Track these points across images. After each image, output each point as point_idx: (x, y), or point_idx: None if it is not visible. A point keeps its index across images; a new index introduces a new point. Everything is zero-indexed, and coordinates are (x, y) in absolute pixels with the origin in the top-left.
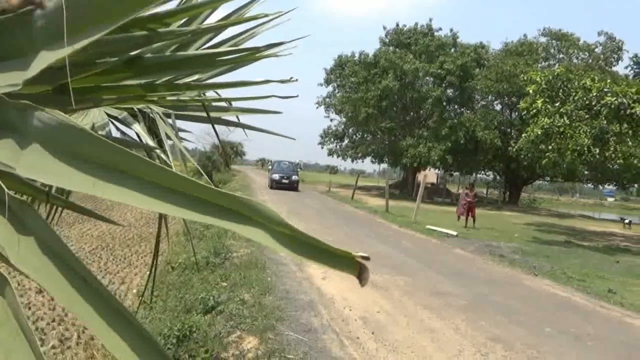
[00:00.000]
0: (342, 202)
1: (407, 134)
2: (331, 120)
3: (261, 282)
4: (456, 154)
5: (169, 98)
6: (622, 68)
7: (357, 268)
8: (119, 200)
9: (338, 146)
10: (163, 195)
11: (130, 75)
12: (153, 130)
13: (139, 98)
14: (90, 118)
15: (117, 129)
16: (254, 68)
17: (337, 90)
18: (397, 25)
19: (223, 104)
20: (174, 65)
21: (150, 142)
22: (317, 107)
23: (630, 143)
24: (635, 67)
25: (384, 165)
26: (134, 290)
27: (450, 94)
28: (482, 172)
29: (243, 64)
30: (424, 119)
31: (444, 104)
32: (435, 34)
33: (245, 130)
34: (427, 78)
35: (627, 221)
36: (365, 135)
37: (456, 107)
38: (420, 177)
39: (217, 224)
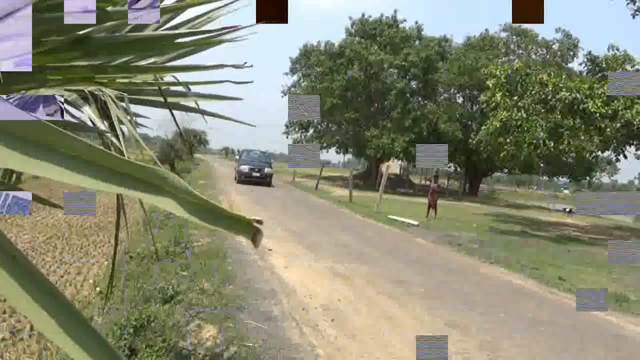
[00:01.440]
0: (306, 193)
1: (371, 125)
2: None
3: (222, 271)
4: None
5: (120, 80)
6: (577, 65)
7: (252, 231)
8: (35, 174)
9: (303, 136)
10: (77, 167)
11: (78, 55)
12: (107, 114)
13: (88, 80)
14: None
15: (67, 111)
16: (216, 58)
17: (302, 80)
18: (363, 15)
19: (181, 88)
20: (125, 46)
21: (102, 126)
22: (282, 97)
23: (582, 137)
24: (588, 64)
25: (349, 156)
26: (91, 281)
27: (414, 86)
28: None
29: (201, 48)
30: (388, 110)
31: (408, 95)
32: (400, 25)
33: (207, 118)
34: (392, 70)
35: (567, 210)
36: (330, 126)
37: (419, 99)
38: (383, 168)
39: (131, 194)
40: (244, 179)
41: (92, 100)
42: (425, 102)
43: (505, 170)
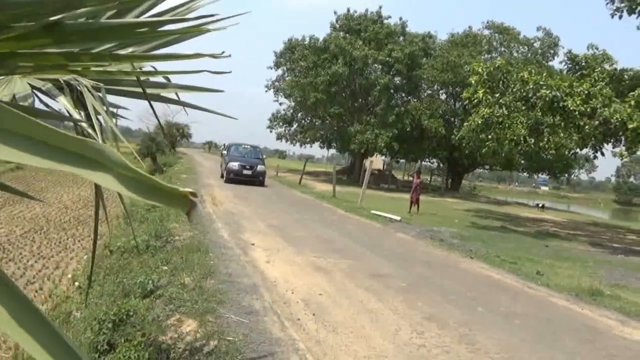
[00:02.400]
0: (289, 187)
1: (355, 120)
2: (280, 104)
3: (203, 265)
4: (402, 141)
5: (94, 69)
6: (557, 63)
7: (187, 205)
8: None
9: (287, 130)
10: (16, 143)
11: (50, 42)
12: (84, 105)
13: (61, 67)
14: (10, 88)
15: (41, 101)
16: (196, 50)
17: (286, 74)
18: (348, 10)
19: (160, 79)
20: (101, 34)
21: (77, 116)
22: (266, 91)
23: (562, 134)
24: (569, 62)
25: (332, 151)
26: (69, 275)
27: (398, 82)
28: (427, 159)
29: (183, 37)
30: (371, 105)
31: (392, 91)
32: (385, 21)
33: (190, 111)
34: (376, 65)
35: (540, 205)
36: (314, 120)
37: (403, 95)
38: (366, 163)
39: (66, 169)
40: (233, 177)
41: (68, 90)
42: (409, 98)
43: (487, 167)
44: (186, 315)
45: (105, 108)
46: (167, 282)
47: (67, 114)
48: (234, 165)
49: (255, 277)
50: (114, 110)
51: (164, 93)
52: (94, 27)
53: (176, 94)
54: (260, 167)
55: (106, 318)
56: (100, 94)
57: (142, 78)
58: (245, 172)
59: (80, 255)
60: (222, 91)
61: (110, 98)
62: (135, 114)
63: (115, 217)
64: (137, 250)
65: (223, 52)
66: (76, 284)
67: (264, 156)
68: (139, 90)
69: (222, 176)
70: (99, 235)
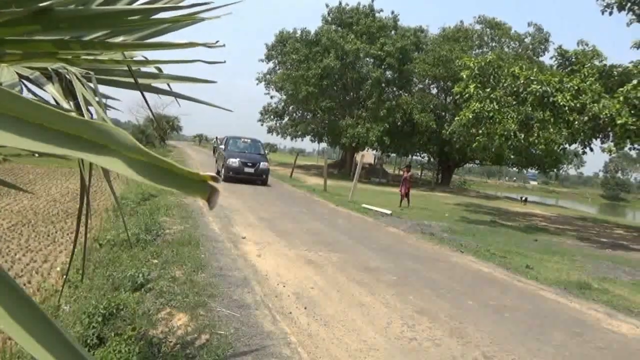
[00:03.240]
0: (280, 181)
1: (346, 114)
2: (271, 97)
3: (194, 259)
4: (393, 135)
5: (85, 57)
6: (547, 58)
7: (207, 191)
8: None
9: (278, 124)
10: (12, 127)
11: (39, 29)
12: (73, 94)
13: (50, 56)
14: None
15: (29, 90)
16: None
17: (277, 67)
18: (340, 3)
19: (152, 69)
20: (92, 21)
21: (66, 106)
22: (257, 84)
23: (551, 129)
24: (559, 58)
25: (323, 145)
26: (58, 269)
27: (389, 76)
28: (418, 154)
29: (177, 26)
30: (363, 99)
31: (383, 85)
32: (377, 15)
33: (180, 102)
34: (368, 59)
35: (523, 198)
36: (305, 114)
37: (394, 89)
38: (358, 157)
39: (73, 154)
40: (233, 176)
41: (56, 79)
42: (400, 92)
43: (477, 161)
44: (177, 309)
45: (96, 98)
46: (158, 275)
47: (56, 104)
48: (234, 161)
49: (247, 271)
50: (104, 100)
51: (156, 83)
52: (84, 14)
53: (168, 84)
54: (263, 165)
55: (96, 312)
56: (92, 84)
57: (133, 68)
58: (246, 169)
59: (69, 248)
60: (214, 82)
61: (101, 88)
62: (125, 105)
63: (104, 210)
64: (129, 243)
65: (217, 42)
66: (65, 277)
67: (267, 151)
68: (130, 80)
69: (217, 173)
70: (88, 228)
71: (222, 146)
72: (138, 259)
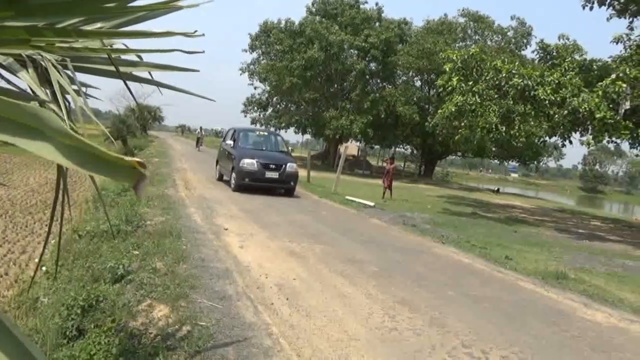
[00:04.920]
0: None
1: (330, 106)
2: (255, 88)
3: (175, 250)
4: (377, 127)
5: (59, 45)
6: (529, 52)
7: (135, 178)
8: None
9: (261, 115)
10: None
11: (11, 14)
12: (49, 82)
13: (23, 42)
14: None
15: (2, 77)
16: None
17: (261, 58)
18: None
19: (134, 57)
20: (67, 7)
21: (42, 94)
22: (240, 74)
23: (532, 122)
24: (540, 52)
25: (307, 136)
26: (36, 260)
27: (373, 68)
28: (401, 146)
29: (155, 14)
30: (347, 91)
31: (367, 77)
32: (361, 6)
33: (163, 91)
34: (352, 51)
35: (496, 189)
36: (289, 105)
37: (378, 81)
38: (341, 148)
39: (1, 139)
40: (250, 183)
41: (31, 65)
42: (384, 84)
43: (459, 154)
44: (158, 300)
45: (74, 86)
46: (138, 267)
47: (31, 92)
48: (251, 164)
49: (229, 262)
50: (83, 89)
51: (137, 72)
52: (57, 0)
53: (149, 73)
54: (290, 167)
55: (75, 303)
56: (69, 71)
57: (112, 56)
58: (268, 174)
59: (48, 239)
60: (197, 70)
61: (80, 76)
62: (106, 94)
63: (84, 201)
64: (112, 234)
65: (196, 31)
66: (43, 268)
67: (290, 148)
68: (110, 68)
69: (219, 179)
70: (66, 219)
71: (228, 142)
72: (118, 250)
